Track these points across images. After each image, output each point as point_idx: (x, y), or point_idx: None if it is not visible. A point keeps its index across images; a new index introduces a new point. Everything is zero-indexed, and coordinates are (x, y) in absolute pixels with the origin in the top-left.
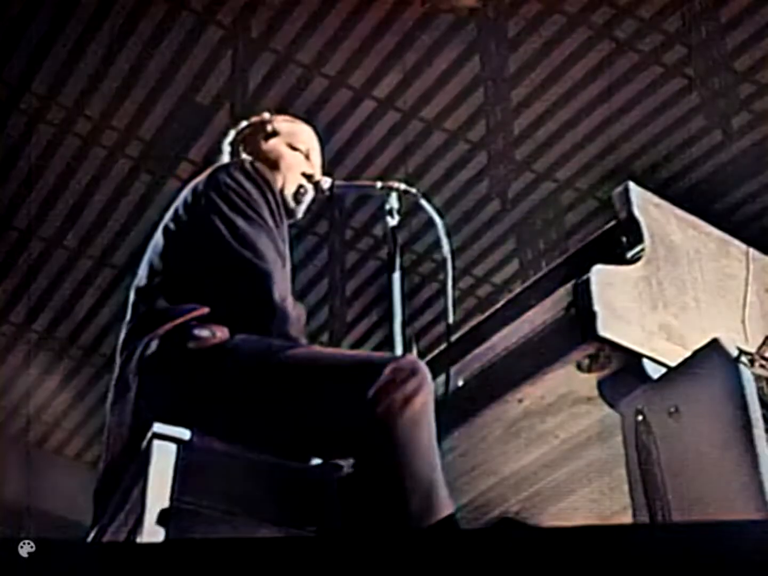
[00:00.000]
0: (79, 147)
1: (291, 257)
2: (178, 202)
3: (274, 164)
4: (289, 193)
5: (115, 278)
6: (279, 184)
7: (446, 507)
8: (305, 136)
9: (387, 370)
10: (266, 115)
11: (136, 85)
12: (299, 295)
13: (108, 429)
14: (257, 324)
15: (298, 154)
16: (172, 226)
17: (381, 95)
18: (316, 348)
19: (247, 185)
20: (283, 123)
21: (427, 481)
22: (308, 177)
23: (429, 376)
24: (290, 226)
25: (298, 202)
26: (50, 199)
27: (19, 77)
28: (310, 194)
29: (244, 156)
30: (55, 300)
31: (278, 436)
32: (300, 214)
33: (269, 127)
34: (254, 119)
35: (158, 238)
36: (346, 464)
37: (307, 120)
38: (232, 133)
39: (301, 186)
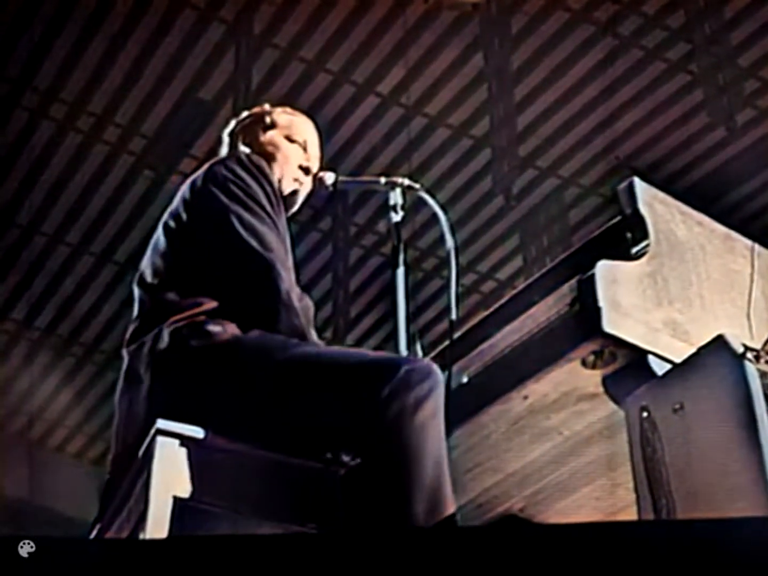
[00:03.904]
0: (81, 143)
1: (294, 252)
2: (177, 198)
3: (271, 156)
4: (285, 185)
5: (117, 275)
6: (276, 176)
7: (450, 509)
8: (303, 128)
9: (401, 372)
10: (266, 107)
11: (139, 81)
12: (302, 290)
13: (117, 423)
14: (264, 315)
15: (295, 146)
16: (172, 223)
17: (384, 91)
18: (330, 347)
19: (246, 177)
20: (282, 115)
21: (432, 486)
22: (305, 170)
23: (441, 379)
24: (291, 220)
25: (294, 194)
26: (52, 195)
27: (21, 73)
28: (306, 187)
29: (241, 147)
30: (57, 297)
31: (287, 433)
32: (296, 207)
33: (268, 119)
34: (255, 110)
35: (159, 235)
36: (349, 460)
37: (309, 113)
38: (232, 123)
39: (296, 179)
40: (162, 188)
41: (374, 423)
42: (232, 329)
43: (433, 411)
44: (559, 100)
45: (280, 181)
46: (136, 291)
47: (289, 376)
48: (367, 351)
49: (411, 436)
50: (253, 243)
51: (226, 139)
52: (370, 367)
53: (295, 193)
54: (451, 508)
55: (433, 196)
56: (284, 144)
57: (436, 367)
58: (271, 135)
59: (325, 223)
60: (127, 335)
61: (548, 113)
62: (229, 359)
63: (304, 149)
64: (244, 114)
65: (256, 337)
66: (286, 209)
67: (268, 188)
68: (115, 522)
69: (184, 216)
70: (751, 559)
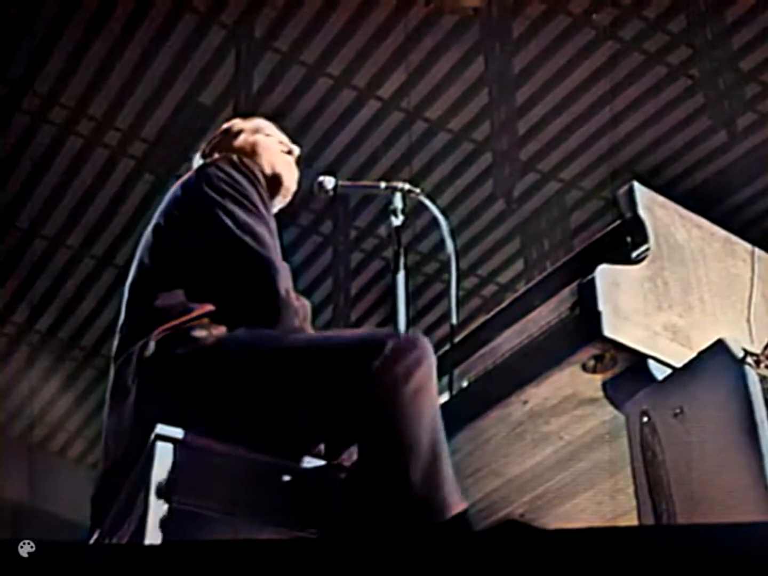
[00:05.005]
0: (81, 147)
1: (294, 257)
2: (167, 200)
3: (253, 153)
4: (278, 174)
5: (117, 278)
6: (266, 170)
7: (449, 477)
8: (269, 125)
9: (389, 344)
10: (225, 126)
11: (139, 85)
12: (303, 295)
13: (106, 434)
14: (262, 315)
15: (271, 138)
16: (163, 224)
17: (385, 95)
18: (315, 333)
19: (237, 177)
20: (245, 122)
21: (430, 452)
22: (288, 152)
23: (430, 348)
24: (288, 225)
25: (289, 179)
26: (53, 199)
27: (21, 77)
28: (295, 172)
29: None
30: (58, 301)
31: (281, 427)
32: (290, 195)
33: (234, 128)
34: (215, 131)
35: (149, 237)
36: (349, 464)
37: (309, 120)
38: (201, 148)
39: (284, 162)
40: (162, 192)
41: (366, 397)
42: (218, 332)
43: (425, 378)
44: (559, 104)
45: (271, 171)
46: (126, 296)
47: (276, 367)
48: (352, 330)
49: (405, 405)
50: (249, 241)
51: (198, 163)
52: (358, 343)
53: (289, 177)
54: (448, 475)
55: (433, 201)
56: (260, 138)
57: (423, 337)
58: (244, 137)
59: (326, 227)
60: (115, 345)
61: (549, 117)
62: (217, 361)
63: (280, 141)
64: (208, 137)
65: (240, 335)
66: (283, 196)
67: (260, 188)
68: (115, 532)
69: (176, 216)
70: (752, 563)
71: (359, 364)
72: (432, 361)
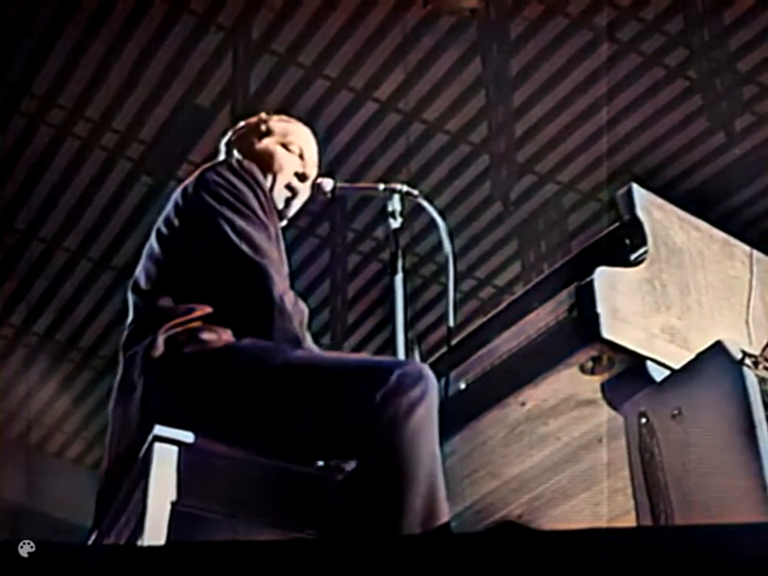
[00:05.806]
0: (79, 149)
1: (292, 259)
2: (170, 205)
3: (266, 164)
4: (279, 193)
5: (115, 280)
6: (269, 183)
7: (444, 516)
8: (300, 135)
9: (393, 376)
10: (263, 115)
11: (137, 87)
12: (300, 296)
13: (111, 430)
14: (258, 320)
15: (291, 154)
16: (164, 229)
17: (382, 97)
18: (323, 352)
19: (236, 182)
20: (278, 123)
21: (427, 490)
22: (300, 177)
23: (434, 383)
24: (287, 227)
25: (287, 202)
26: (50, 200)
27: (19, 78)
28: (302, 194)
29: (237, 156)
30: (56, 302)
31: (282, 439)
32: (290, 214)
33: (263, 127)
34: (251, 119)
35: (152, 242)
36: (347, 466)
37: (307, 121)
38: (228, 134)
39: (290, 186)
40: (160, 194)
41: (367, 428)
42: (226, 336)
43: (426, 415)
44: (557, 106)
45: (272, 189)
46: (131, 297)
47: (281, 382)
48: (359, 355)
49: (404, 441)
50: (245, 248)
51: (222, 149)
52: (362, 372)
53: (290, 200)
54: (445, 514)
55: (431, 203)
56: (279, 151)
57: (428, 371)
58: (266, 143)
59: (323, 229)
60: (122, 342)
61: (547, 119)
62: (223, 366)
63: (300, 156)
64: (241, 123)
65: (249, 344)
66: (282, 217)
67: (260, 193)
68: (112, 530)
69: (176, 222)
70: (749, 564)
71: (362, 393)
72: (434, 397)
